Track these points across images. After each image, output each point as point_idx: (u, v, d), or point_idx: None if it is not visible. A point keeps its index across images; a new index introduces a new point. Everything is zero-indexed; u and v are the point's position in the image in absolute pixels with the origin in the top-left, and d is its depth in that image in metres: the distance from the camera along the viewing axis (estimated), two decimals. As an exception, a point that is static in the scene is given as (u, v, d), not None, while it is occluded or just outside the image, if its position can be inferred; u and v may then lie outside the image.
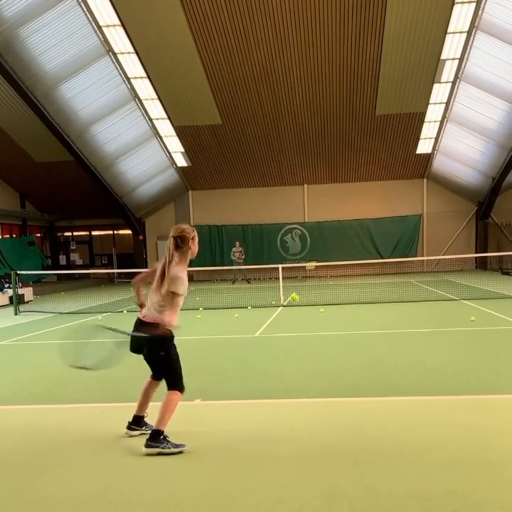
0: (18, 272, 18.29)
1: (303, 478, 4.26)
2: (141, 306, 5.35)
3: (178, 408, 6.32)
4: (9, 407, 6.72)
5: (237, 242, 27.95)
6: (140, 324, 5.11)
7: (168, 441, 4.95)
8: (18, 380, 8.09)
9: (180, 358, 5.15)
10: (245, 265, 26.06)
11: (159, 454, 4.86)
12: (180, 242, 5.02)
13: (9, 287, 19.46)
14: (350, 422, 5.60)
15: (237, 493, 4.05)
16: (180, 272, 4.97)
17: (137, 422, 5.41)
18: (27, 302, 20.05)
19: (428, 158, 27.54)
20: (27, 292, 20.58)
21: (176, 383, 5.11)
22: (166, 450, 4.89)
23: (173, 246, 5.01)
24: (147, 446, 4.91)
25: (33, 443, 5.36)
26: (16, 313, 16.70)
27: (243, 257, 27.23)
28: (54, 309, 17.66)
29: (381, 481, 4.14)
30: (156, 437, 4.92)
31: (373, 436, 5.13)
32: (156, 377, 5.35)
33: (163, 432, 4.95)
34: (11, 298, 18.63)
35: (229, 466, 4.57)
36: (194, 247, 5.15)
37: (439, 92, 21.96)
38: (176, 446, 4.94)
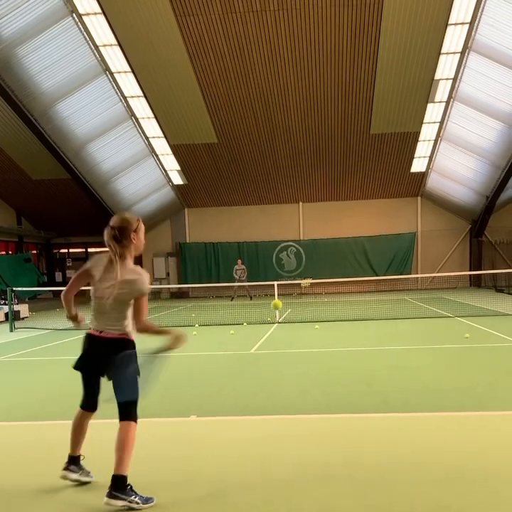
0: (14, 288, 18.30)
1: (299, 495, 4.28)
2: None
3: (174, 424, 6.37)
4: (4, 423, 6.72)
5: (240, 260, 27.98)
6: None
7: (136, 493, 4.12)
8: (13, 396, 8.08)
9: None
10: (247, 282, 26.02)
11: (128, 509, 4.04)
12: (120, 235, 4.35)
13: (5, 304, 19.45)
14: (345, 438, 5.62)
15: (234, 509, 4.07)
16: None
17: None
18: (23, 319, 20.02)
19: (422, 176, 27.74)
20: (23, 309, 20.55)
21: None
22: (135, 505, 4.03)
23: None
24: (111, 496, 4.04)
25: (29, 460, 5.37)
26: (11, 330, 16.68)
27: (245, 274, 27.19)
28: (50, 326, 17.62)
29: (377, 497, 4.16)
30: (122, 486, 4.07)
31: (369, 452, 5.14)
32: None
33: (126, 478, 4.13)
34: (6, 314, 18.61)
35: (225, 485, 4.58)
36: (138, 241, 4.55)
37: (433, 112, 22.17)
38: (146, 500, 4.11)
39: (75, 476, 4.52)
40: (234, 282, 26.10)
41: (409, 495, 4.18)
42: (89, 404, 4.54)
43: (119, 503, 4.01)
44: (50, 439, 6.00)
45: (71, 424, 4.55)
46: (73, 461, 4.54)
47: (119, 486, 4.03)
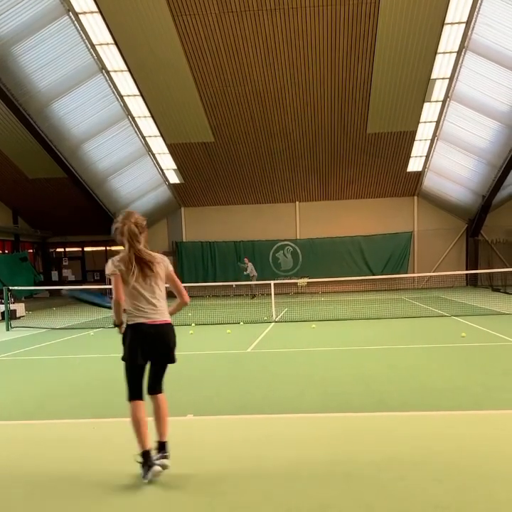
0: (10, 287, 18.26)
1: (297, 493, 4.29)
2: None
3: (171, 423, 6.36)
4: (1, 422, 6.70)
5: (246, 258, 28.04)
6: (159, 330, 4.81)
7: None
8: (9, 395, 8.06)
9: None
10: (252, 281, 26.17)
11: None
12: (142, 229, 4.87)
13: (1, 303, 19.40)
14: (342, 437, 5.62)
15: (229, 509, 4.07)
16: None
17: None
18: (19, 318, 19.97)
19: (419, 176, 27.77)
20: (19, 308, 20.50)
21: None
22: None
23: (137, 232, 4.80)
24: (166, 458, 4.76)
25: (24, 460, 5.36)
26: (7, 329, 16.64)
27: (246, 272, 27.25)
28: (46, 325, 17.60)
29: (374, 496, 4.16)
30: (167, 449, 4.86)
31: (366, 451, 5.15)
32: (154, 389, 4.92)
33: None
34: (2, 313, 18.57)
35: (222, 483, 4.58)
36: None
37: (430, 111, 22.21)
38: None
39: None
40: (226, 280, 26.15)
41: (406, 494, 4.18)
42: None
43: (168, 462, 4.71)
44: (47, 437, 5.99)
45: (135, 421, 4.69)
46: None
47: (166, 449, 4.79)
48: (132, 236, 4.75)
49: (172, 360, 4.92)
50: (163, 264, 4.88)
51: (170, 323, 4.89)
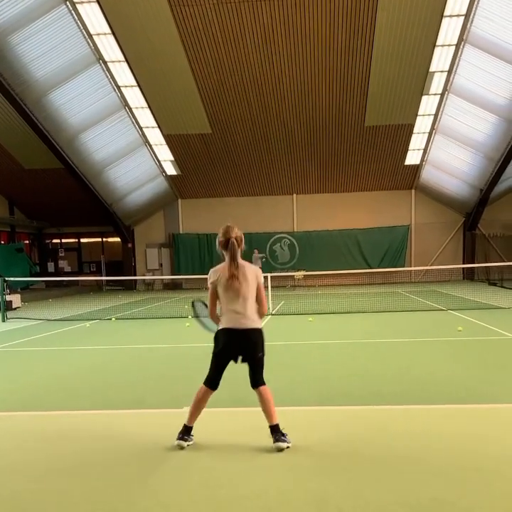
0: (6, 278, 18.20)
1: (292, 486, 4.27)
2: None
3: (168, 415, 6.36)
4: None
5: (256, 250, 27.68)
6: (245, 335, 5.28)
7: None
8: (5, 386, 8.03)
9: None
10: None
11: (287, 448, 5.06)
12: (241, 242, 5.45)
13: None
14: (338, 430, 5.61)
15: (227, 501, 4.06)
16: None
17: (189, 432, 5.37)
18: (15, 309, 19.93)
19: (416, 169, 27.75)
20: (15, 299, 20.44)
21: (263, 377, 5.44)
22: (290, 444, 5.12)
23: (237, 245, 5.35)
24: (282, 441, 5.07)
25: (21, 451, 5.33)
26: (3, 320, 16.61)
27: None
28: (42, 316, 17.57)
29: (370, 490, 4.15)
30: (282, 432, 5.17)
31: (362, 444, 5.14)
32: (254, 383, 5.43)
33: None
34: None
35: (218, 476, 4.57)
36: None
37: (428, 104, 22.17)
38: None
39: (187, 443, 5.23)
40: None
41: (402, 487, 4.17)
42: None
43: (284, 445, 5.06)
44: (43, 428, 5.97)
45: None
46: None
47: (280, 431, 5.14)
48: (234, 250, 5.30)
49: (256, 359, 5.37)
50: (255, 276, 5.33)
51: (255, 329, 5.29)
